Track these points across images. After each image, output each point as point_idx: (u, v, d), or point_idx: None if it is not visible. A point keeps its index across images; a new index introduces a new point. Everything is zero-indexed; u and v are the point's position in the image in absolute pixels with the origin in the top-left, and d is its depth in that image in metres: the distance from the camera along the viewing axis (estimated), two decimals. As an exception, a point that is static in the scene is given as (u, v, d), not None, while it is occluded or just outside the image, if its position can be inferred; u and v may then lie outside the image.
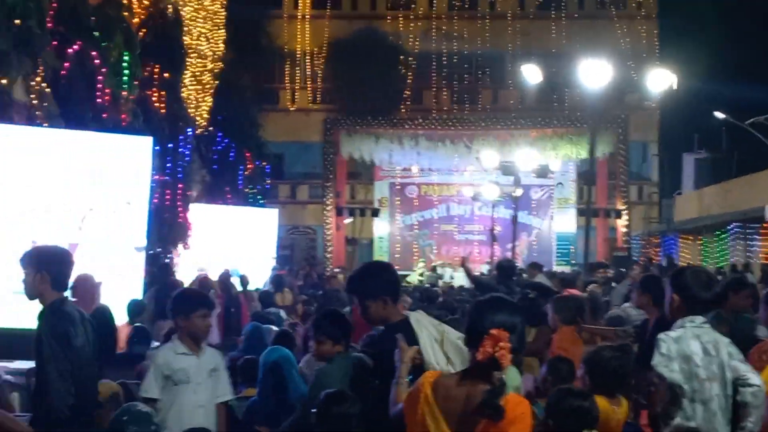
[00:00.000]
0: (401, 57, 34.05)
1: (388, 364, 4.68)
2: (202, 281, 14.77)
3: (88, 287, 9.19)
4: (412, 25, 34.81)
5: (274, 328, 9.96)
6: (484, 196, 30.60)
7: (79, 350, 5.61)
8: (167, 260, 18.20)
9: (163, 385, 6.12)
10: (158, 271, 15.84)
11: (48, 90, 13.82)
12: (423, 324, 4.91)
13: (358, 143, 34.08)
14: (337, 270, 25.39)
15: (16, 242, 9.72)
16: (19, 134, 11.17)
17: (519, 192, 28.09)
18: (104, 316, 9.34)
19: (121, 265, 11.43)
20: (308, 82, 34.93)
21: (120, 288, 11.06)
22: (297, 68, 34.85)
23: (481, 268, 26.58)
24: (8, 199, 10.57)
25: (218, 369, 6.31)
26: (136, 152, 11.94)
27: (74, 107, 14.31)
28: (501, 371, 3.65)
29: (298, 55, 34.73)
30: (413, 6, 35.07)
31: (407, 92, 34.47)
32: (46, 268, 5.75)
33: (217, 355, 6.47)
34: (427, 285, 21.71)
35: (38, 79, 13.49)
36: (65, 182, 11.04)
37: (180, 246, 19.40)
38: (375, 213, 34.39)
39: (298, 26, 34.95)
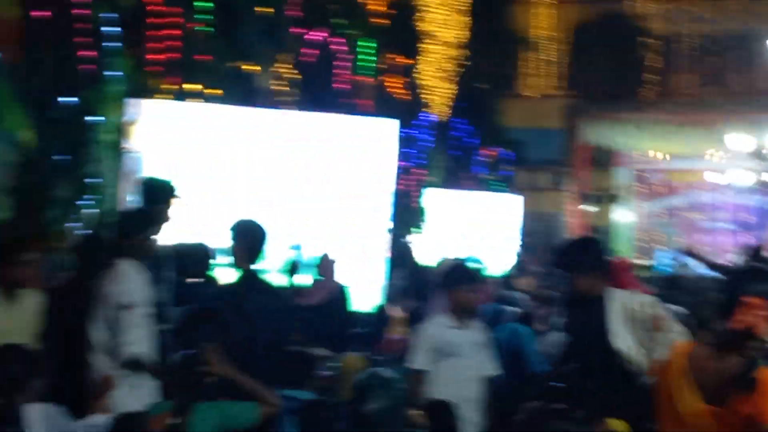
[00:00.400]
0: (644, 40, 33.04)
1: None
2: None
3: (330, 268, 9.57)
4: (655, 6, 33.69)
5: (514, 309, 9.89)
6: (733, 183, 29.29)
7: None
8: (408, 244, 18.40)
9: (433, 358, 6.23)
10: (399, 254, 16.02)
11: (292, 77, 14.20)
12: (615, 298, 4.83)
13: (600, 129, 33.30)
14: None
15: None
16: (267, 117, 11.52)
17: (772, 178, 26.72)
18: (342, 294, 9.60)
19: (366, 247, 11.64)
20: (549, 68, 34.48)
21: (364, 269, 11.30)
22: (538, 54, 34.45)
23: (728, 258, 25.45)
24: (256, 182, 10.95)
25: (485, 343, 6.35)
26: (382, 135, 12.13)
27: (317, 94, 14.65)
28: (757, 341, 3.38)
29: (538, 41, 34.33)
30: (657, -13, 33.96)
31: (650, 76, 33.41)
32: None
33: (484, 331, 6.50)
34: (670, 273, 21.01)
35: (283, 66, 13.88)
36: (312, 164, 11.33)
37: (416, 230, 19.58)
38: (615, 200, 33.55)
39: (539, 11, 34.53)
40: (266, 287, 6.71)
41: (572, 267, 5.21)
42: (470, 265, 15.62)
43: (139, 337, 6.15)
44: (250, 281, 6.55)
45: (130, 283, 6.16)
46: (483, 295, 14.26)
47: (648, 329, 4.90)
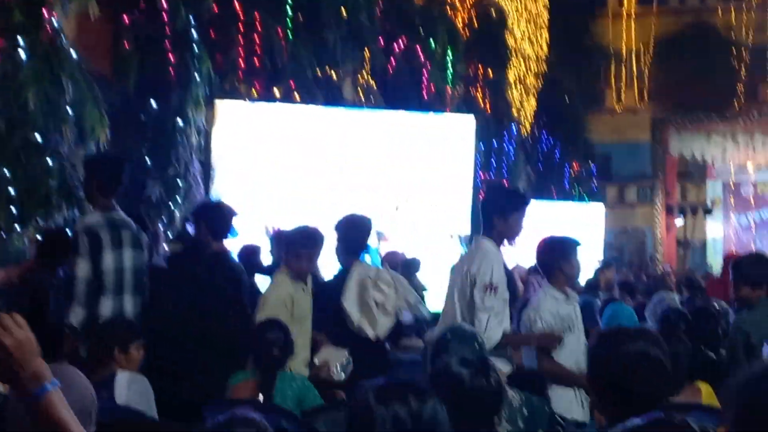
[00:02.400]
0: (733, 50, 32.56)
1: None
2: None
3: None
4: (745, 16, 33.20)
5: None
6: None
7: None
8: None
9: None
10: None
11: (374, 84, 14.33)
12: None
13: (689, 141, 32.87)
14: (667, 269, 24.52)
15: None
16: (344, 116, 11.70)
17: None
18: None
19: (438, 249, 11.66)
20: (635, 81, 34.15)
21: (437, 272, 11.31)
22: (622, 67, 34.15)
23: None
24: (329, 178, 11.11)
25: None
26: (458, 131, 12.19)
27: (399, 102, 14.77)
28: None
29: (623, 54, 34.04)
30: (746, -3, 33.48)
31: (740, 87, 32.89)
32: None
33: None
34: None
35: (365, 73, 14.02)
36: (388, 162, 11.43)
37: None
38: (708, 212, 32.96)
39: (624, 24, 34.27)
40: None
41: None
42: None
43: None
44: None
45: (494, 263, 6.14)
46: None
47: None
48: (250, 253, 9.02)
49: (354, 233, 6.80)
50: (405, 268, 10.13)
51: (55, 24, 8.86)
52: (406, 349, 8.34)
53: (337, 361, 6.35)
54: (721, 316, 6.71)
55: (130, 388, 5.22)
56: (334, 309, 6.54)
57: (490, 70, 20.55)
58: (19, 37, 8.51)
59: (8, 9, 8.50)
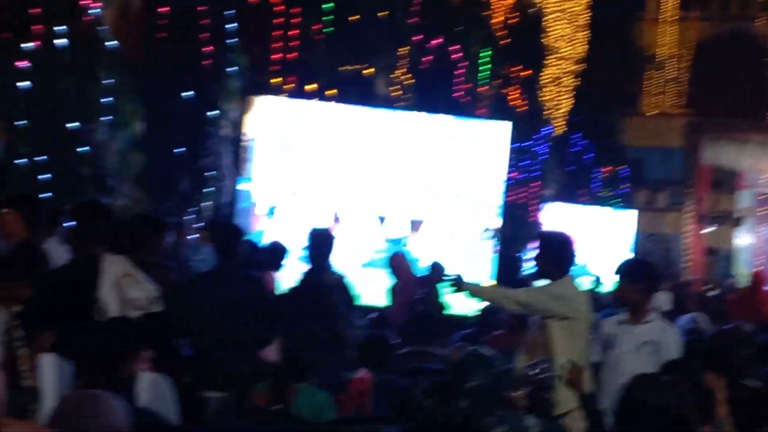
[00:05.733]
0: (768, 59, 32.27)
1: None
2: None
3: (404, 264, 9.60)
4: (782, 25, 32.90)
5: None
6: None
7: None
8: (518, 257, 18.31)
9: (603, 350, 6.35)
10: (509, 264, 15.97)
11: (409, 82, 14.32)
12: None
13: (722, 149, 32.56)
14: (691, 279, 24.42)
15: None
16: (381, 117, 11.72)
17: None
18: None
19: (467, 249, 11.70)
20: (670, 86, 33.93)
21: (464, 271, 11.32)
22: (660, 72, 33.93)
23: None
24: (361, 177, 11.17)
25: (658, 343, 6.33)
26: (494, 137, 12.20)
27: (433, 100, 14.76)
28: None
29: (661, 59, 33.82)
30: (787, 7, 33.13)
31: (775, 96, 32.60)
32: None
33: (664, 331, 6.49)
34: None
35: (400, 70, 14.01)
36: (420, 164, 11.47)
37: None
38: (738, 222, 32.68)
39: (662, 29, 34.03)
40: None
41: None
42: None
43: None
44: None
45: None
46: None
47: None
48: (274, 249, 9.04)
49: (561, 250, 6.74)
50: (432, 273, 10.13)
51: (94, 13, 8.91)
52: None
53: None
54: (743, 344, 6.62)
55: (152, 390, 5.24)
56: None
57: (525, 70, 20.48)
58: (57, 26, 8.56)
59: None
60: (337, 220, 10.81)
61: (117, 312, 5.98)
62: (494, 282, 11.74)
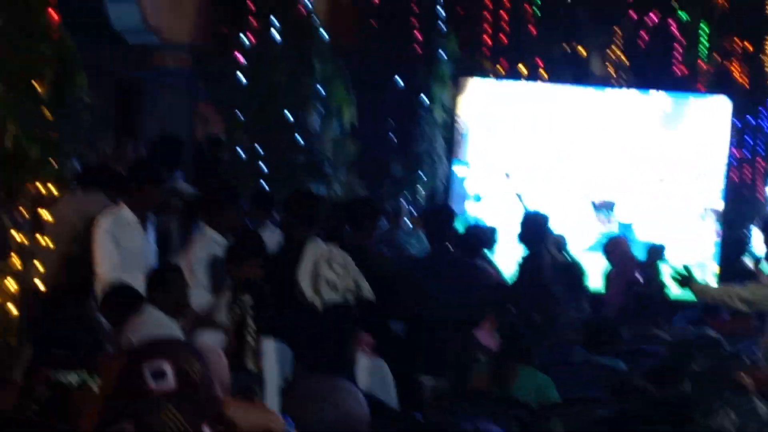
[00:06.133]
0: None
1: None
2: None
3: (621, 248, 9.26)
4: None
5: None
6: None
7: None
8: (744, 239, 17.56)
9: None
10: (735, 243, 15.34)
11: (624, 60, 13.93)
12: None
13: None
14: None
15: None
16: (596, 96, 11.48)
17: None
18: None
19: (688, 231, 11.30)
20: None
21: (691, 251, 10.97)
22: None
23: None
24: (575, 159, 10.95)
25: None
26: (712, 113, 11.75)
27: (650, 78, 14.31)
28: None
29: None
30: None
31: None
32: None
33: None
34: None
35: (614, 48, 13.65)
36: (636, 144, 11.17)
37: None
38: None
39: None
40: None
41: None
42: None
43: None
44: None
45: None
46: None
47: None
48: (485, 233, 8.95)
49: None
50: (650, 255, 9.81)
51: (307, 3, 9.05)
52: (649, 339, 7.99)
53: None
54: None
55: (372, 374, 5.25)
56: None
57: (747, 43, 19.56)
58: (272, 17, 8.75)
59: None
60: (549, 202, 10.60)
61: (312, 295, 6.08)
62: (716, 265, 11.32)
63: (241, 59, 8.78)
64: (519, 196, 10.37)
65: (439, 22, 10.74)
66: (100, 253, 6.09)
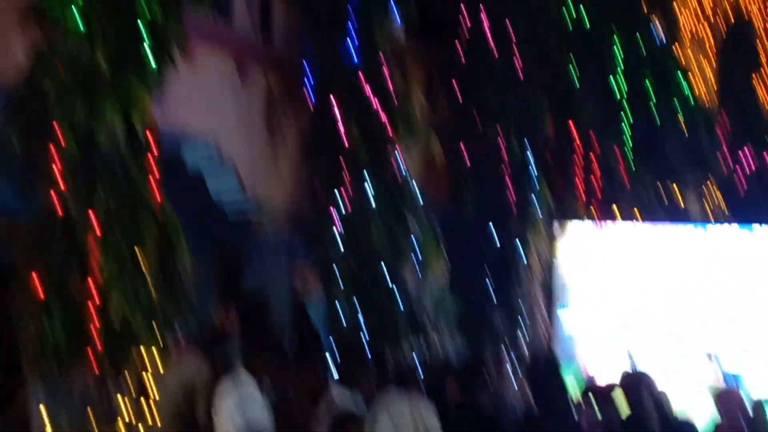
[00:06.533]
0: None
1: None
2: None
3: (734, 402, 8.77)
4: None
5: None
6: None
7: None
8: None
9: None
10: None
11: (720, 197, 13.76)
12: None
13: None
14: None
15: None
16: (691, 234, 11.29)
17: None
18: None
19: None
20: None
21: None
22: None
23: None
24: (683, 304, 10.67)
25: None
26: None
27: (749, 213, 14.06)
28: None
29: None
30: None
31: None
32: None
33: None
34: None
35: (710, 185, 13.53)
36: (742, 285, 10.85)
37: None
38: None
39: None
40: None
41: None
42: None
43: None
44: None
45: None
46: None
47: None
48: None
49: None
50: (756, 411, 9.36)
51: (400, 161, 9.25)
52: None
53: None
54: None
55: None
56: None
57: None
58: (366, 174, 8.97)
59: (355, 150, 9.00)
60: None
61: None
62: None
63: (337, 220, 8.98)
64: (630, 355, 10.11)
65: (530, 168, 10.89)
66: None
